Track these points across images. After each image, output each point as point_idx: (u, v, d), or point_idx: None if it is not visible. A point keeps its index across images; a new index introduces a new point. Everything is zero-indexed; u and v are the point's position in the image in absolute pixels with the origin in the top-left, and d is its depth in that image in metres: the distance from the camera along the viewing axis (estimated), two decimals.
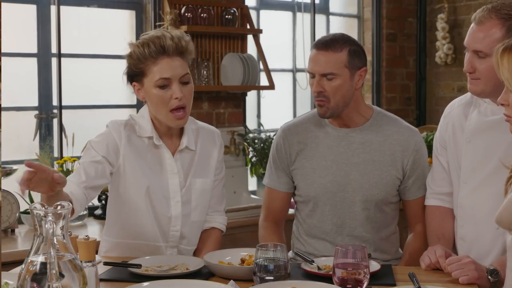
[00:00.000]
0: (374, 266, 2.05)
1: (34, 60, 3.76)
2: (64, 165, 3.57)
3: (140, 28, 4.15)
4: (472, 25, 2.19)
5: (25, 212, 3.42)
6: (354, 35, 5.11)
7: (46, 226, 1.37)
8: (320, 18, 5.07)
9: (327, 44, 2.37)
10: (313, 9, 4.89)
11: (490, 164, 2.19)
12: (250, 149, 4.39)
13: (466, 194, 2.25)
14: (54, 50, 3.77)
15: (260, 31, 4.36)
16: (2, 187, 3.36)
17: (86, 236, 1.78)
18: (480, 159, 2.22)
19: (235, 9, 4.24)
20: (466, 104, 2.34)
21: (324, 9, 5.15)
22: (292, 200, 2.61)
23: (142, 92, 2.29)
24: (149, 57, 2.23)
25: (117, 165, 2.28)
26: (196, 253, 2.42)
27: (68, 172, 3.56)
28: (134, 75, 2.29)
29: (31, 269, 1.37)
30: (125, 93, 4.15)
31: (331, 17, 5.20)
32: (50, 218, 1.37)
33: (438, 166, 2.40)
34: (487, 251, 2.21)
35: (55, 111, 3.79)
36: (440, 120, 2.45)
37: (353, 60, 2.39)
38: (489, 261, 2.14)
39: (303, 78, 4.95)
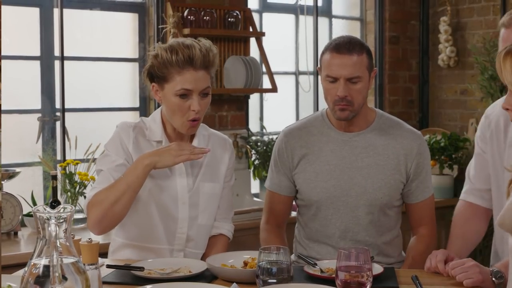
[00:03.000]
0: (377, 269, 2.05)
1: (37, 63, 3.77)
2: (67, 168, 3.57)
3: (143, 31, 4.15)
4: (502, 31, 2.21)
5: (28, 214, 3.42)
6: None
7: (49, 228, 1.37)
8: (322, 21, 5.07)
9: (350, 47, 2.34)
10: (316, 12, 4.89)
11: None
12: (253, 152, 4.40)
13: None
14: (57, 53, 3.77)
15: (263, 34, 4.36)
16: (6, 190, 3.37)
17: (89, 239, 1.78)
18: None
19: (238, 12, 4.25)
20: None
21: (327, 12, 5.15)
22: (294, 203, 2.61)
23: (160, 94, 2.30)
24: (175, 65, 2.23)
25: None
26: (203, 258, 2.42)
27: (71, 175, 3.56)
28: (156, 77, 2.29)
29: (34, 272, 1.37)
30: (128, 96, 4.16)
31: (333, 20, 5.20)
32: (53, 221, 1.37)
33: (484, 163, 2.39)
34: None
35: (58, 114, 3.79)
36: (482, 119, 2.44)
37: (370, 61, 2.39)
38: None
39: (305, 81, 4.95)
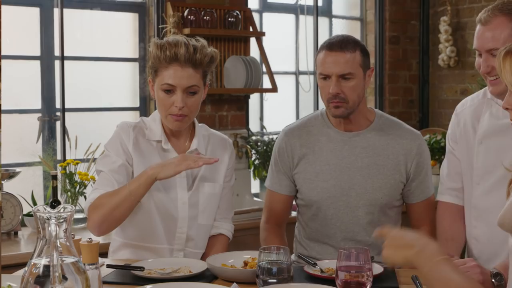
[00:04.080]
0: (377, 269, 2.05)
1: (37, 63, 3.77)
2: (67, 168, 3.57)
3: (143, 31, 4.15)
4: (478, 27, 2.21)
5: (28, 214, 3.42)
6: (357, 38, 5.10)
7: (49, 228, 1.37)
8: (323, 21, 5.07)
9: (342, 45, 2.36)
10: (316, 12, 4.89)
11: (502, 167, 2.18)
12: (253, 151, 4.40)
13: (480, 196, 2.26)
14: (57, 52, 3.77)
15: (263, 33, 4.36)
16: (6, 190, 3.37)
17: (89, 238, 1.78)
18: (492, 162, 2.22)
19: (238, 12, 4.25)
20: (478, 104, 2.34)
21: (327, 12, 5.15)
22: (294, 203, 2.61)
23: (154, 88, 2.34)
24: (163, 61, 2.27)
25: (132, 164, 2.32)
26: (203, 258, 2.42)
27: (71, 175, 3.56)
28: (151, 71, 2.34)
29: (34, 271, 1.37)
30: (128, 95, 4.16)
31: (334, 19, 5.20)
32: (53, 220, 1.37)
33: (455, 161, 2.39)
34: (499, 253, 2.20)
35: (58, 113, 3.79)
36: (452, 117, 2.45)
37: (365, 60, 2.40)
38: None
39: (306, 81, 4.95)
